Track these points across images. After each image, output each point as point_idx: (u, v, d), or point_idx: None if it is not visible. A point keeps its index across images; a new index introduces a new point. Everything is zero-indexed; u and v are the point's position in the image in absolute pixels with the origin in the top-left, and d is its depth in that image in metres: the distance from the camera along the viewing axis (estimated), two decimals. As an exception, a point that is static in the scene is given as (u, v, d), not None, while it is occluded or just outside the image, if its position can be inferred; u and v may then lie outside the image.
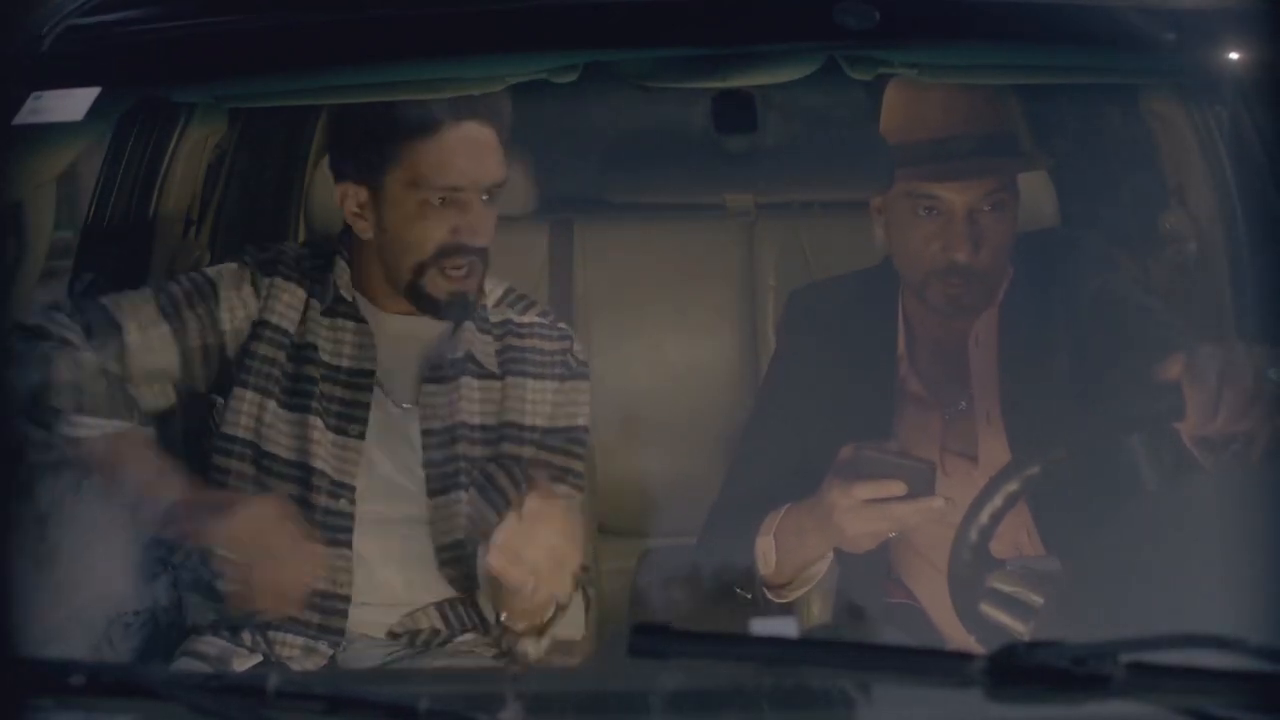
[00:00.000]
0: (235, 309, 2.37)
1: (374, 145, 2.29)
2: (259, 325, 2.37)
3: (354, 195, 2.34)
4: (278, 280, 2.39)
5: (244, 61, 2.07)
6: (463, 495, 2.37)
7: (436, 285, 2.34)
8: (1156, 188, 2.89)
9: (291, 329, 2.38)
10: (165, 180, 2.73)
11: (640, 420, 3.23)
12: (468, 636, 2.37)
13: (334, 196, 2.49)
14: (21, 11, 2.13)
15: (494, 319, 2.44)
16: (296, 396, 2.36)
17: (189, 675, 1.93)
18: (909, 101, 2.41)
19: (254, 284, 2.38)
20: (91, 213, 2.64)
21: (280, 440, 2.34)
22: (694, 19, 2.00)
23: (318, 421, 2.35)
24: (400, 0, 2.07)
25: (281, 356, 2.36)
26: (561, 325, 2.51)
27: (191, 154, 2.79)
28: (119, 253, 2.70)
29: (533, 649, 2.20)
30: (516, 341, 2.45)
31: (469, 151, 2.30)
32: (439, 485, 2.37)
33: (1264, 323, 2.47)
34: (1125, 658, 1.28)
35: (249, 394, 2.35)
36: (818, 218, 3.50)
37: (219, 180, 3.02)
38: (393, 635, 2.36)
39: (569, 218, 3.54)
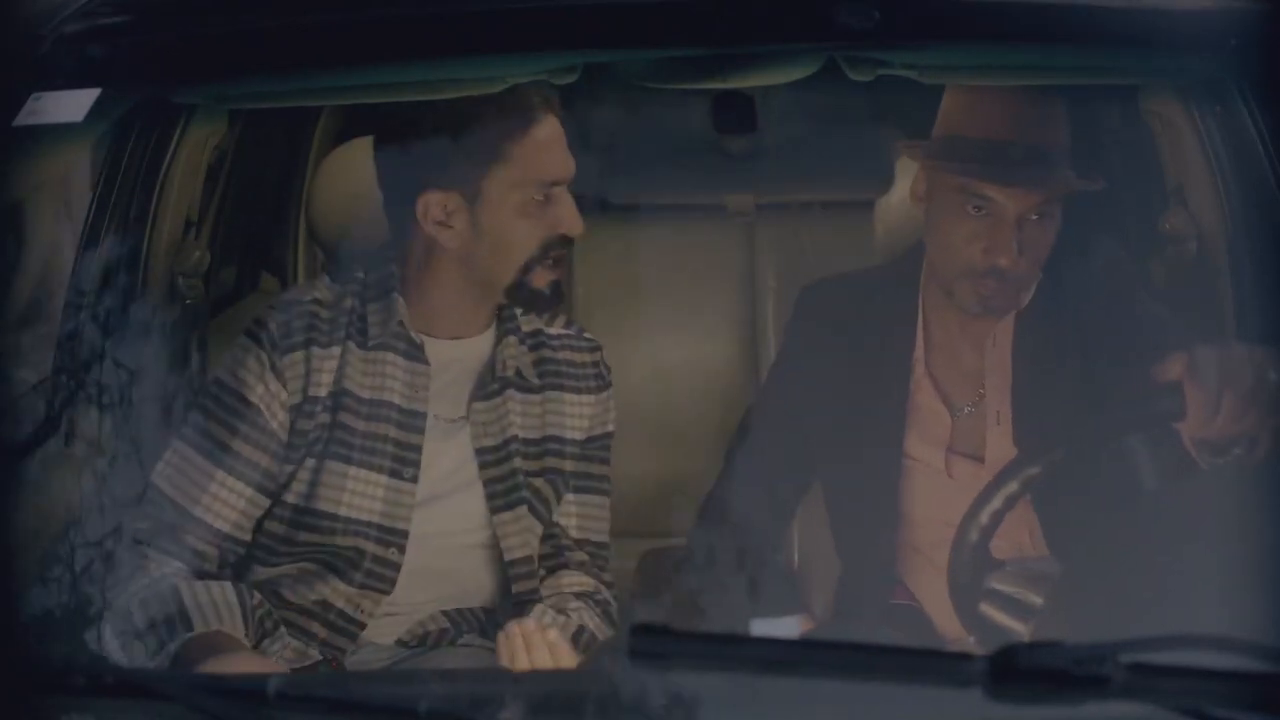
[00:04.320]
0: (273, 409, 2.31)
1: (471, 150, 2.25)
2: (301, 404, 2.31)
3: (441, 204, 2.27)
4: (313, 350, 2.32)
5: (244, 61, 2.07)
6: (525, 509, 2.38)
7: (543, 278, 2.32)
8: (1156, 188, 2.89)
9: (328, 390, 2.32)
10: (165, 180, 2.73)
11: (640, 420, 3.23)
12: (472, 636, 2.37)
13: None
14: (21, 11, 2.13)
15: (526, 329, 2.43)
16: (342, 446, 2.32)
17: (189, 675, 1.93)
18: (976, 100, 2.40)
19: (274, 369, 2.31)
20: (91, 213, 2.64)
21: (329, 495, 2.31)
22: (694, 19, 2.00)
23: (366, 469, 2.32)
24: (400, 0, 2.07)
25: (326, 417, 2.32)
26: (588, 335, 2.51)
27: (191, 154, 2.79)
28: (119, 253, 2.70)
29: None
30: (551, 354, 2.44)
31: (558, 145, 2.31)
32: (503, 502, 2.37)
33: (1264, 323, 2.47)
34: (1125, 658, 1.28)
35: (307, 462, 2.32)
36: (818, 218, 3.51)
37: (219, 180, 3.02)
38: (401, 643, 2.36)
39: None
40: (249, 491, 2.30)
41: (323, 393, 2.32)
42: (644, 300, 3.45)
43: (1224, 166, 2.57)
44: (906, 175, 2.64)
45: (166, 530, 2.28)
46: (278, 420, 2.31)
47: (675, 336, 3.45)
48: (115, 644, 2.16)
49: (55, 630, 2.24)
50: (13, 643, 1.79)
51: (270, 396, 2.31)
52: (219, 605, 2.21)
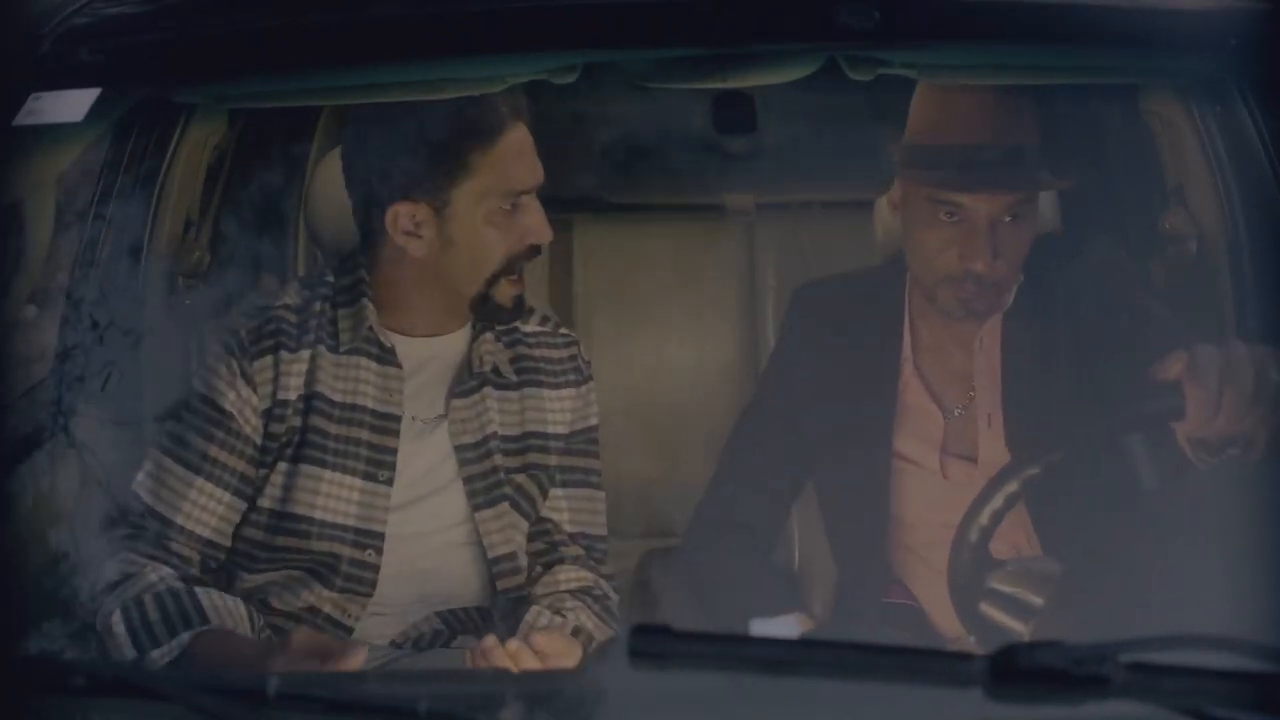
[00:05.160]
0: (246, 414, 2.31)
1: (439, 160, 2.25)
2: (271, 409, 2.32)
3: (410, 214, 2.28)
4: (282, 354, 2.33)
5: (244, 61, 2.07)
6: (507, 506, 2.38)
7: (505, 291, 2.33)
8: (1156, 188, 2.89)
9: (299, 394, 2.33)
10: (165, 180, 2.73)
11: (640, 420, 3.23)
12: (466, 638, 2.37)
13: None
14: (21, 11, 2.13)
15: (500, 326, 2.43)
16: (316, 450, 2.32)
17: (189, 675, 1.93)
18: (941, 104, 2.40)
19: (244, 375, 2.31)
20: (92, 213, 2.64)
21: (303, 499, 2.31)
22: (694, 19, 2.00)
23: (340, 472, 2.32)
24: (400, 0, 2.07)
25: (297, 421, 2.32)
26: (564, 331, 2.52)
27: (191, 154, 2.79)
28: (119, 253, 2.70)
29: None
30: (527, 351, 2.45)
31: (527, 154, 2.31)
32: (484, 499, 2.37)
33: (1264, 323, 2.47)
34: (1125, 658, 1.28)
35: (280, 465, 2.33)
36: (818, 218, 3.51)
37: (219, 180, 3.02)
38: (395, 645, 2.36)
39: (569, 218, 3.55)
40: (227, 497, 2.31)
41: (292, 396, 2.32)
42: (644, 300, 3.46)
43: (1224, 166, 2.57)
44: (900, 177, 2.65)
45: (150, 537, 2.28)
46: (251, 425, 2.31)
47: (675, 336, 3.45)
48: (112, 642, 2.16)
49: (55, 630, 2.24)
50: (13, 643, 1.79)
51: (242, 402, 2.31)
52: (230, 609, 2.22)
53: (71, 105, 2.01)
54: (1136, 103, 2.81)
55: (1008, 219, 2.36)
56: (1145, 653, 1.28)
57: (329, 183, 2.68)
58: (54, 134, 2.05)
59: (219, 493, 2.31)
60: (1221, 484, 1.99)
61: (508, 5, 2.03)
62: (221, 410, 2.31)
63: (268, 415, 2.32)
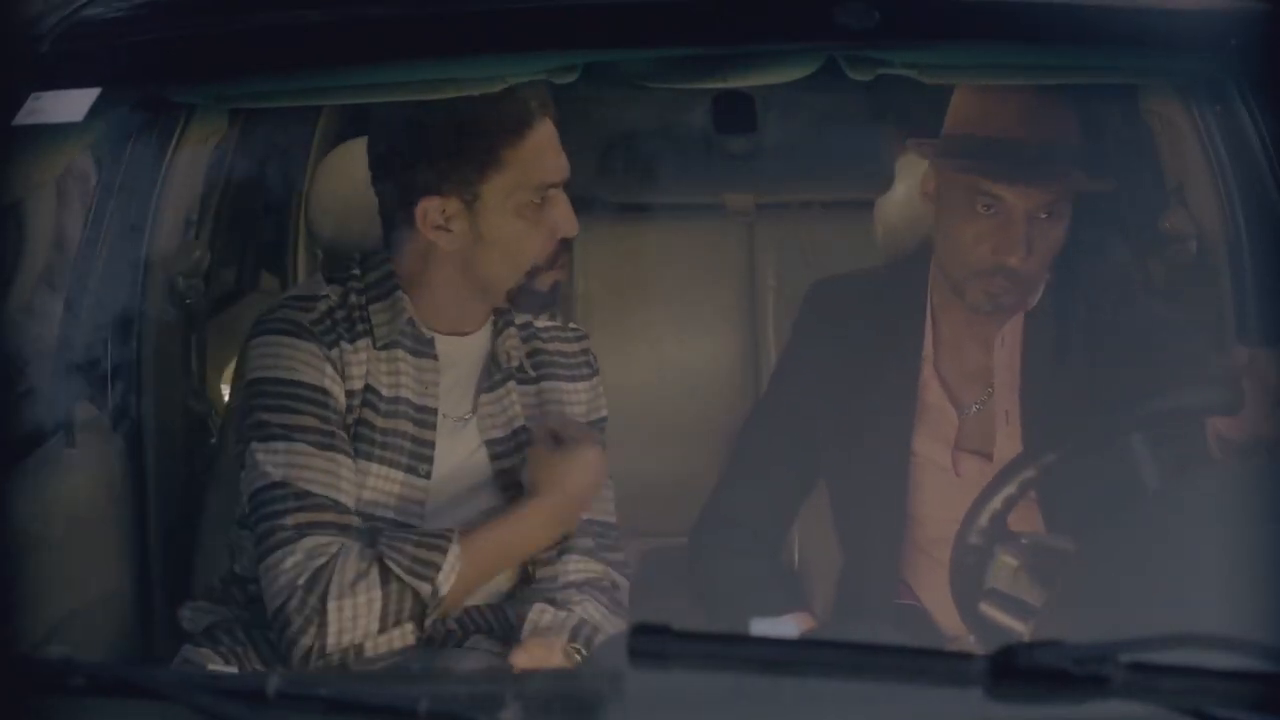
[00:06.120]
0: (336, 392, 2.31)
1: (469, 155, 2.25)
2: (346, 398, 2.33)
3: (440, 209, 2.28)
4: (343, 345, 2.33)
5: (244, 61, 2.07)
6: None
7: (544, 281, 2.34)
8: (1156, 188, 2.90)
9: (360, 385, 2.33)
10: (165, 180, 2.73)
11: (640, 420, 3.23)
12: (479, 638, 2.37)
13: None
14: (21, 11, 2.13)
15: (517, 321, 2.45)
16: (365, 443, 2.32)
17: (190, 675, 1.93)
18: (987, 98, 2.41)
19: (329, 360, 2.31)
20: (91, 213, 2.64)
21: (347, 489, 2.30)
22: (694, 19, 2.00)
23: (385, 465, 2.32)
24: (400, 0, 2.07)
25: (356, 414, 2.32)
26: (574, 326, 2.55)
27: (191, 154, 2.79)
28: (119, 253, 2.70)
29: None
30: (542, 345, 2.47)
31: (555, 147, 2.31)
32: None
33: (1264, 323, 2.47)
34: (1125, 658, 1.28)
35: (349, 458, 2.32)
36: (818, 218, 3.51)
37: (219, 180, 3.03)
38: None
39: (569, 217, 3.55)
40: (354, 464, 2.31)
41: (358, 386, 2.33)
42: (644, 300, 3.46)
43: (1224, 166, 2.57)
44: (907, 174, 2.64)
45: (324, 521, 2.25)
46: (343, 403, 2.32)
47: (675, 336, 3.45)
48: (347, 621, 2.20)
49: (55, 630, 2.24)
50: (13, 643, 1.79)
51: (333, 382, 2.31)
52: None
53: (71, 105, 2.01)
54: (1136, 103, 2.81)
55: (1043, 216, 2.37)
56: (1145, 653, 1.29)
57: (329, 182, 2.69)
58: (54, 134, 2.05)
59: (349, 461, 2.30)
60: (1227, 483, 1.99)
61: (508, 5, 2.03)
62: (321, 389, 2.30)
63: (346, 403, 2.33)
